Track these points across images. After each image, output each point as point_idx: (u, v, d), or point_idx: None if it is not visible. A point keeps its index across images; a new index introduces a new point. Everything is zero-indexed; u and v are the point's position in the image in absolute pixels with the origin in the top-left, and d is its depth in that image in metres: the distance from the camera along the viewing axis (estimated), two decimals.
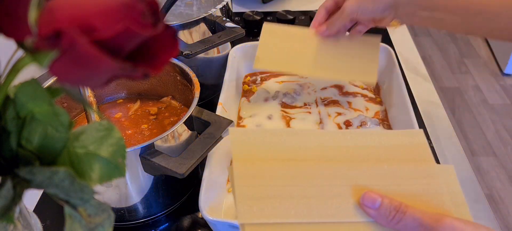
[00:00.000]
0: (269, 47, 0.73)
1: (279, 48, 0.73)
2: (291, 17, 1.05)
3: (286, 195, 0.40)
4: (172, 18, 0.86)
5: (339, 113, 0.76)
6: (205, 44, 0.71)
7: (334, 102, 0.78)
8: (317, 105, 0.78)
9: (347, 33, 0.73)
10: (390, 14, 0.64)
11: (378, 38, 0.73)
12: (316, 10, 1.06)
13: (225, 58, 0.82)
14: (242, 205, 0.39)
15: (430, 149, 0.46)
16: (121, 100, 0.75)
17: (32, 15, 0.22)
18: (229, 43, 0.82)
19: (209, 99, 0.83)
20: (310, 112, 0.76)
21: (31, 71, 0.25)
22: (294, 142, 0.44)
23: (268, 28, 0.73)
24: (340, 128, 0.73)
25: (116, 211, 0.61)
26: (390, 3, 0.63)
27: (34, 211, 0.65)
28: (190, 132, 0.60)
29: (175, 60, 0.68)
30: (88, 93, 0.58)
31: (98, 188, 0.27)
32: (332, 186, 0.42)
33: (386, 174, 0.43)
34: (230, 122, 0.58)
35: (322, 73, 0.73)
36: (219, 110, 0.69)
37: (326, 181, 0.42)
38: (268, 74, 0.86)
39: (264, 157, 0.42)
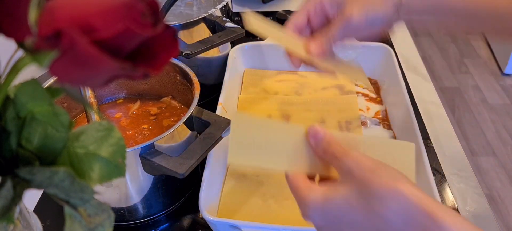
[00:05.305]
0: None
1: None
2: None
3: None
4: (172, 18, 0.86)
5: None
6: (205, 44, 0.71)
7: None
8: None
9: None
10: (394, 17, 0.54)
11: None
12: None
13: (225, 58, 0.82)
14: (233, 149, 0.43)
15: (414, 165, 0.44)
16: (121, 100, 0.75)
17: (32, 15, 0.22)
18: (229, 43, 0.82)
19: (209, 99, 0.83)
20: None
21: (31, 71, 0.25)
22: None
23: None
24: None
25: (116, 211, 0.61)
26: (398, 4, 0.53)
27: (34, 211, 0.65)
28: (190, 132, 0.60)
29: (175, 60, 0.68)
30: (89, 94, 0.58)
31: (98, 188, 0.27)
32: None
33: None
34: (230, 122, 0.58)
35: None
36: (219, 111, 0.69)
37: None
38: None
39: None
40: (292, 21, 0.55)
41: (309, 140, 0.43)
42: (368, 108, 0.77)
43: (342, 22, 0.52)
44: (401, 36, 1.03)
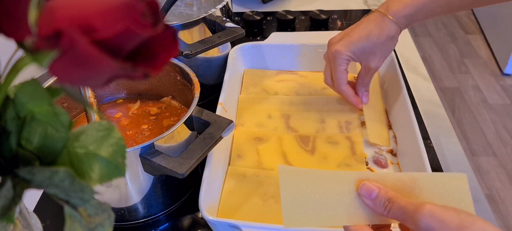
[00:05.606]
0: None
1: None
2: (291, 17, 1.05)
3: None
4: (172, 18, 0.86)
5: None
6: (205, 44, 0.71)
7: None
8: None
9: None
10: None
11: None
12: (316, 10, 1.07)
13: (225, 58, 0.82)
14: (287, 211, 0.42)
15: (470, 195, 0.43)
16: (121, 100, 0.75)
17: (32, 15, 0.22)
18: (229, 43, 0.82)
19: (209, 99, 0.83)
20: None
21: (31, 71, 0.25)
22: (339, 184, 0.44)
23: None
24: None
25: (116, 211, 0.61)
26: (400, 29, 0.68)
27: (34, 211, 0.65)
28: (190, 132, 0.60)
29: (175, 60, 0.68)
30: (89, 94, 0.58)
31: (98, 188, 0.27)
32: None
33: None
34: (230, 122, 0.58)
35: None
36: (219, 111, 0.69)
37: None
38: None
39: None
40: (342, 82, 0.71)
41: (362, 200, 0.42)
42: None
43: (371, 73, 0.71)
44: (401, 36, 1.03)
